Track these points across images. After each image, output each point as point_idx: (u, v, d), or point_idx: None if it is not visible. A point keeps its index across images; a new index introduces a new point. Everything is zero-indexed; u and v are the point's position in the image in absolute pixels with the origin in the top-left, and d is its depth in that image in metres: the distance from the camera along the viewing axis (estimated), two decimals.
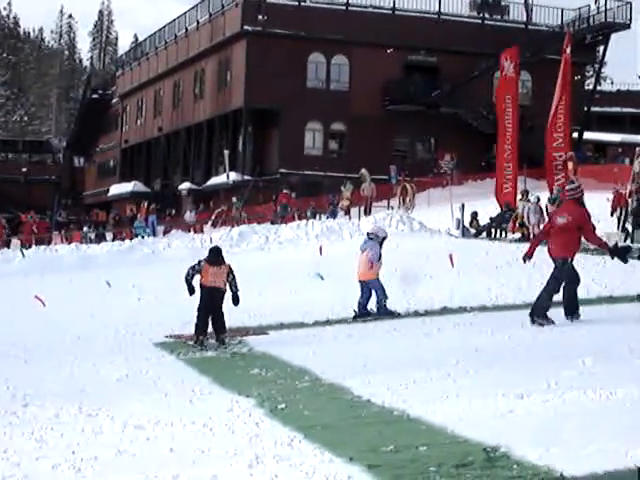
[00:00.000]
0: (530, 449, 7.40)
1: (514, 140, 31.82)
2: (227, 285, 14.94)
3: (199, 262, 15.12)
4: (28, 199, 73.35)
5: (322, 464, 7.49)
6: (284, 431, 8.66)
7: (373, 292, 16.77)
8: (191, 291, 15.05)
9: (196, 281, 15.03)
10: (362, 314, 16.69)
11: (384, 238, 17.40)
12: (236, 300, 15.08)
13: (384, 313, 16.59)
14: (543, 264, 21.93)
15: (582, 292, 17.59)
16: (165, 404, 10.25)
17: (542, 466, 7.02)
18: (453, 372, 10.81)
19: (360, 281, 16.93)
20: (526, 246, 25.54)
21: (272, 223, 38.42)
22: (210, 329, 14.93)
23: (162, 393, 10.90)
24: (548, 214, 27.30)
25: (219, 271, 14.93)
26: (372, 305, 16.84)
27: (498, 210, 31.29)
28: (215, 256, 15.19)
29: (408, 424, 8.68)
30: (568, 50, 30.95)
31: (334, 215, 39.82)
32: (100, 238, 43.74)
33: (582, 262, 22.04)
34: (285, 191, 44.35)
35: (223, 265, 15.03)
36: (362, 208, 40.84)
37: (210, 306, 14.83)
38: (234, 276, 15.01)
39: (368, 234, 17.80)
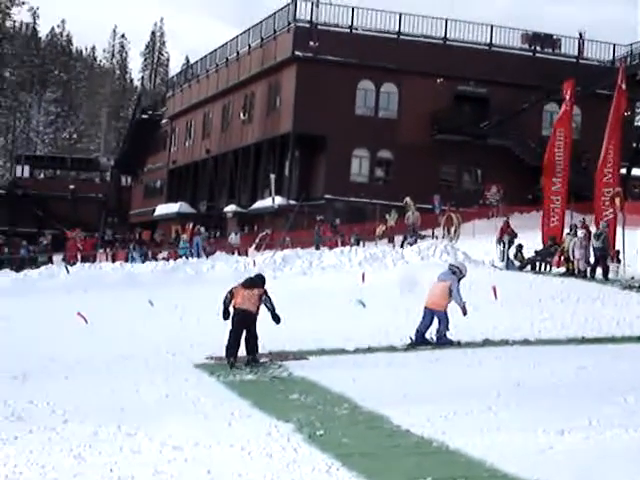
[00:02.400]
0: None
1: (565, 174, 31.65)
2: (259, 308, 15.08)
3: (232, 288, 15.37)
4: (74, 216, 74.00)
5: None
6: (322, 458, 8.64)
7: (436, 321, 16.71)
8: (225, 315, 15.25)
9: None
10: (419, 342, 16.66)
11: (464, 275, 17.34)
12: (276, 319, 15.22)
13: (443, 342, 16.55)
14: (588, 299, 21.84)
15: (626, 329, 17.48)
16: (204, 426, 10.26)
17: None
18: (494, 405, 10.73)
19: (426, 308, 16.86)
20: (570, 281, 25.49)
21: (317, 248, 38.42)
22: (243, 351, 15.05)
23: (201, 415, 10.92)
24: (594, 250, 27.16)
25: (251, 294, 15.10)
26: (431, 334, 16.81)
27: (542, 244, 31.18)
28: (251, 280, 15.46)
29: (447, 456, 8.63)
30: (623, 85, 30.75)
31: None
32: (145, 257, 43.97)
33: (626, 298, 21.93)
34: (320, 218, 44.31)
35: (257, 289, 15.17)
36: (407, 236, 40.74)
37: (239, 328, 14.99)
38: (269, 297, 15.17)
39: (451, 266, 17.66)
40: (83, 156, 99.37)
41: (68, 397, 12.30)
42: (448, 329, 16.69)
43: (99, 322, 21.05)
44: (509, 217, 34.35)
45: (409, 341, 16.75)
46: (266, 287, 15.33)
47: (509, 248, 31.19)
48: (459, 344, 16.55)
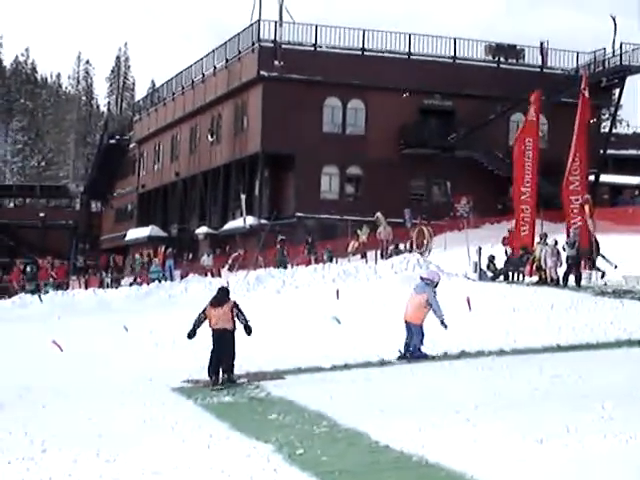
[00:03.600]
0: None
1: (533, 183, 31.75)
2: (234, 322, 15.20)
3: (204, 309, 15.48)
4: (45, 244, 73.65)
5: None
6: (302, 477, 8.63)
7: (413, 334, 16.78)
8: (191, 335, 15.50)
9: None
10: (408, 355, 16.72)
11: (437, 283, 17.42)
12: (248, 330, 15.30)
13: (418, 356, 16.60)
14: (561, 307, 21.96)
15: (600, 335, 17.58)
16: (183, 449, 10.23)
17: None
18: (472, 416, 10.76)
19: (406, 322, 16.93)
20: (543, 289, 25.61)
21: (284, 267, 38.32)
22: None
23: (180, 438, 10.88)
24: (566, 257, 27.31)
25: (221, 311, 15.23)
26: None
27: (509, 253, 31.34)
28: (217, 297, 15.56)
29: (427, 470, 8.65)
30: (586, 93, 30.98)
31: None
32: (117, 283, 43.83)
33: (600, 305, 22.07)
34: (281, 238, 44.28)
35: (226, 304, 15.29)
36: (379, 252, 40.83)
37: (219, 348, 15.15)
38: (239, 310, 15.30)
39: (424, 279, 17.71)
40: (52, 183, 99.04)
41: (46, 426, 12.24)
42: (422, 343, 16.73)
43: (74, 349, 20.96)
44: (511, 229, 34.12)
45: (398, 354, 16.78)
46: (233, 299, 15.45)
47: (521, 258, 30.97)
48: (434, 358, 16.59)
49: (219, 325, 15.17)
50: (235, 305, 15.28)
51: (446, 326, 16.74)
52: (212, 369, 15.14)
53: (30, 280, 40.04)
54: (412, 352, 16.72)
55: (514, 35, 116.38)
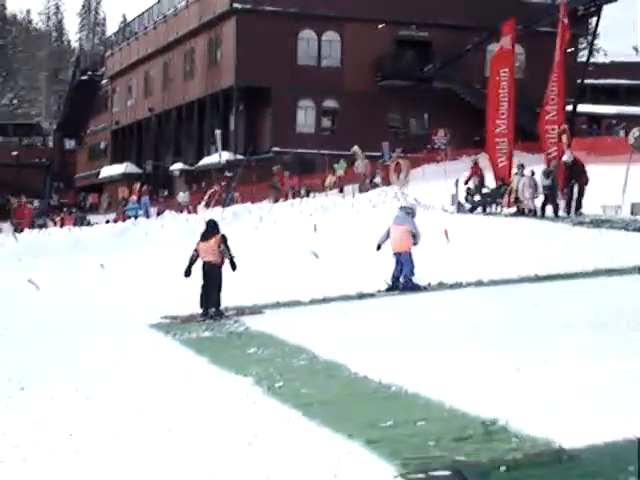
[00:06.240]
0: (529, 422, 7.39)
1: (510, 114, 31.54)
2: (223, 255, 15.28)
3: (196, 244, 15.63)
4: (19, 182, 73.12)
5: (321, 441, 7.48)
6: (282, 409, 8.64)
7: (403, 264, 16.80)
8: (186, 273, 15.50)
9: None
10: (395, 286, 16.72)
11: (415, 213, 17.57)
12: (233, 266, 15.35)
13: (410, 287, 16.63)
14: (539, 237, 22.01)
15: (578, 265, 17.64)
16: (162, 385, 10.21)
17: (541, 438, 7.01)
18: (450, 346, 10.80)
19: (395, 253, 16.93)
20: (521, 220, 25.64)
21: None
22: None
23: (159, 374, 10.86)
24: (542, 187, 27.28)
25: (208, 245, 15.34)
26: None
27: (492, 185, 31.22)
28: (205, 231, 15.66)
29: (406, 399, 8.67)
30: (565, 21, 30.65)
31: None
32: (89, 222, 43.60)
33: (577, 234, 22.13)
34: (276, 167, 44.23)
35: (213, 238, 15.33)
36: (357, 185, 40.75)
37: (207, 281, 15.29)
38: (226, 244, 15.34)
39: (404, 209, 17.77)
40: (24, 121, 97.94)
41: (24, 364, 12.18)
42: (413, 273, 16.73)
43: (51, 288, 20.86)
44: (477, 158, 34.11)
45: (385, 285, 16.80)
46: (221, 233, 15.46)
47: (481, 189, 31.02)
48: (425, 289, 16.60)
49: (206, 258, 15.33)
50: (222, 239, 15.30)
51: (416, 243, 16.88)
52: (203, 301, 15.32)
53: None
54: (404, 282, 16.73)
55: None
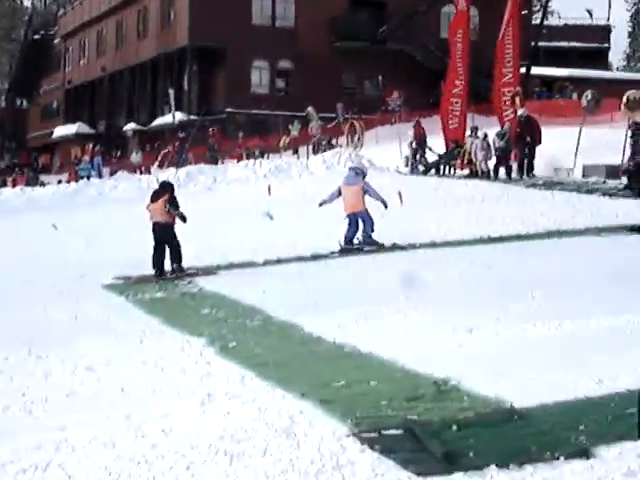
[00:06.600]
0: (480, 381, 7.47)
1: (465, 76, 31.52)
2: (171, 216, 15.34)
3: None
4: None
5: (274, 401, 7.51)
6: (235, 369, 8.66)
7: (360, 222, 16.81)
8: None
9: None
10: (348, 247, 16.74)
11: (365, 174, 17.57)
12: (182, 219, 15.38)
13: (369, 243, 16.71)
14: (492, 199, 22.13)
15: (531, 226, 17.78)
16: (115, 345, 10.19)
17: (492, 397, 7.09)
18: (403, 308, 10.86)
19: (348, 214, 16.93)
20: (474, 182, 25.76)
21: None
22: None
23: (112, 334, 10.83)
24: (495, 149, 27.39)
25: (156, 205, 15.44)
26: (358, 238, 16.93)
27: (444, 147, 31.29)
28: (155, 192, 15.81)
29: (359, 359, 8.72)
30: None
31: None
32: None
33: (530, 196, 22.28)
34: (212, 129, 43.88)
35: (160, 199, 15.43)
36: (310, 147, 40.67)
37: (156, 241, 15.33)
38: (171, 202, 15.37)
39: (353, 169, 17.78)
40: None
41: None
42: (373, 230, 16.77)
43: (2, 248, 20.65)
44: (419, 119, 34.14)
45: (338, 247, 16.81)
46: (168, 192, 15.46)
47: (424, 151, 31.08)
48: (383, 246, 16.65)
49: (155, 219, 15.40)
50: (169, 199, 15.29)
51: (387, 205, 16.93)
52: (155, 262, 15.30)
53: None
54: (363, 239, 16.78)
55: None
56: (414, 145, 31.54)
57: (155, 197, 15.59)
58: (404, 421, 6.72)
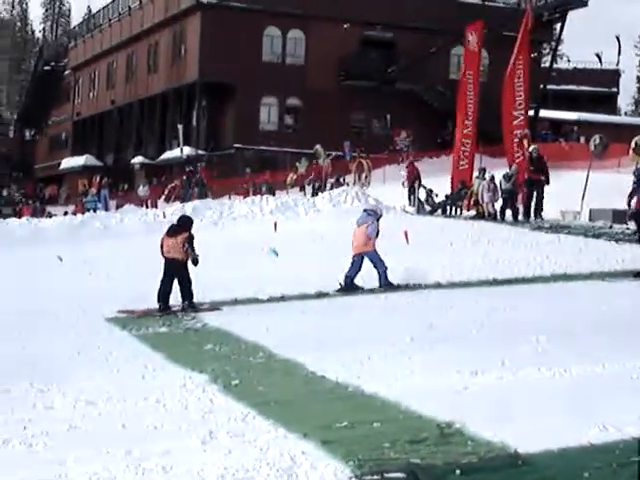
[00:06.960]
0: (484, 425, 7.40)
1: (474, 117, 31.63)
2: (187, 253, 15.24)
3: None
4: None
5: (276, 440, 7.45)
6: (238, 407, 8.60)
7: (371, 265, 16.72)
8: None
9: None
10: (349, 287, 16.65)
11: (381, 216, 17.47)
12: (194, 262, 15.32)
13: (385, 284, 16.55)
14: (498, 241, 22.11)
15: (537, 269, 17.74)
16: (117, 380, 10.13)
17: (496, 442, 7.03)
18: (408, 349, 10.80)
19: (355, 255, 16.87)
20: (480, 224, 25.76)
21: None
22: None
23: (114, 369, 10.78)
24: (502, 191, 27.41)
25: (174, 242, 15.28)
26: (362, 277, 16.82)
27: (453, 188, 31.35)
28: (173, 227, 15.65)
29: (362, 400, 8.66)
30: (529, 25, 30.72)
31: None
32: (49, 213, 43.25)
33: (537, 239, 22.26)
34: (189, 169, 44.11)
35: (180, 235, 15.29)
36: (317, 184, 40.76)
37: (167, 276, 15.26)
38: (190, 244, 15.27)
39: (366, 210, 17.74)
40: None
41: None
42: (386, 267, 16.66)
43: (6, 279, 20.64)
44: (412, 160, 34.36)
45: (338, 286, 16.72)
46: (189, 232, 15.41)
47: (418, 190, 31.28)
48: (399, 286, 16.50)
49: (170, 255, 15.30)
50: (188, 238, 15.24)
51: (370, 240, 16.78)
52: (161, 296, 15.24)
53: None
54: (379, 281, 16.64)
55: None
56: (406, 185, 31.72)
57: (173, 233, 15.45)
58: (407, 464, 6.65)
